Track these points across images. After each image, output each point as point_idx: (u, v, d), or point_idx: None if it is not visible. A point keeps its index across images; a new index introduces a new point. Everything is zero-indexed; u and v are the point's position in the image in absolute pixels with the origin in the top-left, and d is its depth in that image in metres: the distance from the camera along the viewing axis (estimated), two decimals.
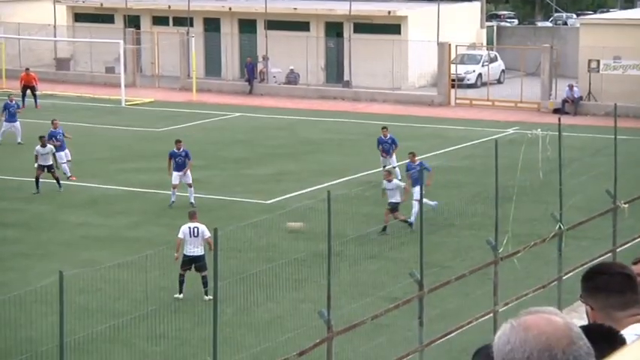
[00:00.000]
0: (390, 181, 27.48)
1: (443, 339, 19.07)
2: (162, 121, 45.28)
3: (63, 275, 13.65)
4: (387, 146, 32.47)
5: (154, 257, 22.58)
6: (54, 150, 31.87)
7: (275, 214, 27.74)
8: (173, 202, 29.60)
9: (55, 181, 31.49)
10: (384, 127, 33.25)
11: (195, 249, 21.95)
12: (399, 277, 21.71)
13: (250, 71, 54.07)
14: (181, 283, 22.07)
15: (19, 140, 39.14)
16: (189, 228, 21.99)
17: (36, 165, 31.36)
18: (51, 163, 31.54)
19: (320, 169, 34.90)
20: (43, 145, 31.48)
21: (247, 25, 56.86)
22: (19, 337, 19.84)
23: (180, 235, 21.97)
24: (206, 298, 21.65)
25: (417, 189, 26.33)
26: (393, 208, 27.10)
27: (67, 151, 33.59)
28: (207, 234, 21.76)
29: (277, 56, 54.51)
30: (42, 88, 50.40)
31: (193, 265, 22.09)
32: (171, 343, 19.95)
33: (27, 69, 50.52)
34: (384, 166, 31.77)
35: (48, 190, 31.60)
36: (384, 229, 26.92)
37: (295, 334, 19.45)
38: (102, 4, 60.28)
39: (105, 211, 29.64)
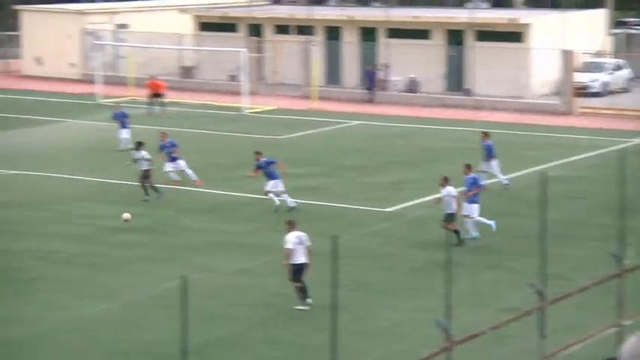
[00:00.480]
0: (443, 186, 26.80)
1: (565, 351, 18.76)
2: (282, 128, 45.63)
3: (186, 279, 13.84)
4: (487, 152, 32.42)
5: (271, 264, 22.77)
6: (146, 156, 32.06)
7: (394, 222, 27.66)
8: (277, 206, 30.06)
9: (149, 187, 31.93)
10: (484, 133, 33.05)
11: (302, 257, 21.93)
12: (518, 288, 21.44)
13: (371, 79, 54.13)
14: (304, 289, 22.06)
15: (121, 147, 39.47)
16: (297, 237, 22.01)
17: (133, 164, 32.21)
18: (147, 168, 31.96)
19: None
20: (137, 150, 32.10)
21: (368, 34, 56.92)
22: (142, 340, 20.20)
23: (290, 246, 21.91)
24: (301, 307, 21.82)
25: (468, 205, 26.50)
26: (449, 218, 26.43)
27: (181, 161, 33.69)
28: (309, 242, 21.92)
29: (397, 64, 54.45)
30: (168, 96, 51.27)
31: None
32: (289, 349, 20.05)
33: (153, 77, 51.55)
34: (483, 171, 31.71)
35: (172, 195, 32.10)
36: (458, 237, 26.34)
37: (413, 342, 19.38)
38: (226, 14, 61.12)
39: (224, 217, 29.99)
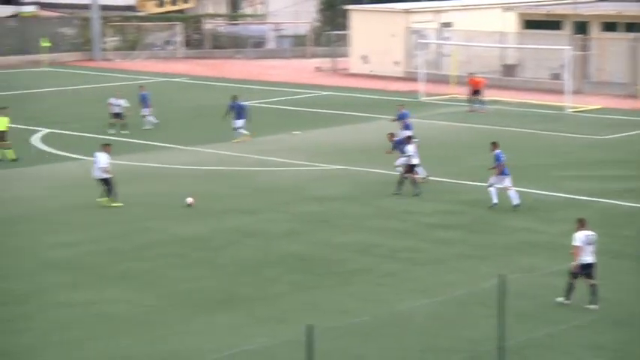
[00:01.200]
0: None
1: None
2: (607, 128, 44.45)
3: (504, 278, 13.77)
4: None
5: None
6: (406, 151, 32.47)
7: None
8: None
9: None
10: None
11: (589, 257, 21.85)
12: None
13: None
14: (571, 289, 21.82)
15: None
16: (586, 236, 21.93)
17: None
18: (414, 163, 32.44)
19: None
20: (401, 143, 32.73)
21: None
22: (460, 336, 20.28)
23: (578, 243, 21.86)
24: (591, 307, 21.51)
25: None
26: None
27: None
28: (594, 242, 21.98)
29: None
30: (488, 94, 51.22)
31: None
32: (613, 356, 19.47)
33: (472, 74, 51.65)
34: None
35: (482, 194, 32.05)
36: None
37: None
38: (551, 11, 60.23)
39: (545, 218, 29.58)
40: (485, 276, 23.27)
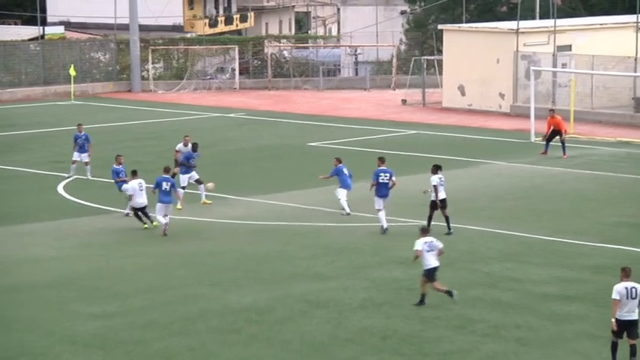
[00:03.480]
0: None
1: None
2: None
3: None
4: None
5: None
6: None
7: None
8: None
9: None
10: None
11: (631, 314, 22.45)
12: None
13: None
14: (613, 350, 22.56)
15: None
16: (626, 289, 22.53)
17: None
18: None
19: None
20: None
21: None
22: None
23: (617, 297, 22.49)
24: None
25: None
26: None
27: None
28: None
29: None
30: (615, 134, 50.78)
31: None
32: None
33: (552, 110, 51.25)
34: None
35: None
36: None
37: None
38: None
39: None
40: None
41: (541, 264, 31.58)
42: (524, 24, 65.44)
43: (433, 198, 34.82)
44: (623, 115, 57.82)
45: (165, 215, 35.27)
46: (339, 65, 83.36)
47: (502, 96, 63.43)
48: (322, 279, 30.13)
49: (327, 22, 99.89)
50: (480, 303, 27.99)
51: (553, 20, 65.11)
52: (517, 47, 62.84)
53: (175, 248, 33.18)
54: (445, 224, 34.58)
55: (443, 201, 34.74)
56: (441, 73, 67.41)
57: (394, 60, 77.85)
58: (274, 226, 36.63)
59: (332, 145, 52.00)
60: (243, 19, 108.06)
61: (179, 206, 37.28)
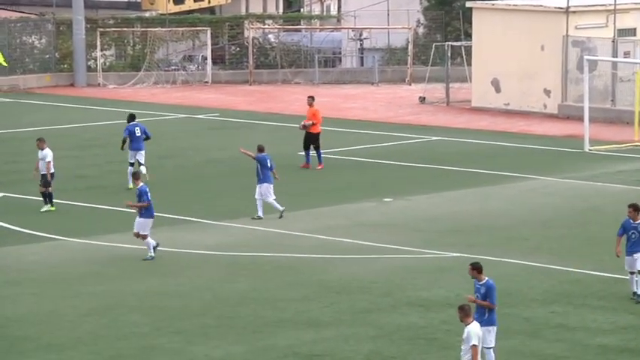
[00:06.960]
0: None
1: None
2: None
3: None
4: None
5: None
6: None
7: None
8: None
9: None
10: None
11: None
12: None
13: None
14: None
15: None
16: None
17: None
18: None
19: None
20: None
21: None
22: None
23: None
24: None
25: None
26: None
27: None
28: None
29: None
30: None
31: None
32: None
33: None
34: None
35: None
36: None
37: None
38: None
39: None
40: None
41: (599, 308, 31.58)
42: (577, 1, 65.40)
43: None
44: None
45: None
46: (340, 53, 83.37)
47: (548, 93, 63.40)
48: (316, 326, 30.10)
49: None
50: (516, 356, 27.89)
51: None
52: (567, 31, 62.80)
53: (128, 286, 33.08)
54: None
55: None
56: (469, 64, 67.40)
57: (410, 47, 77.84)
58: (255, 258, 36.63)
59: (329, 155, 51.89)
60: None
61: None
